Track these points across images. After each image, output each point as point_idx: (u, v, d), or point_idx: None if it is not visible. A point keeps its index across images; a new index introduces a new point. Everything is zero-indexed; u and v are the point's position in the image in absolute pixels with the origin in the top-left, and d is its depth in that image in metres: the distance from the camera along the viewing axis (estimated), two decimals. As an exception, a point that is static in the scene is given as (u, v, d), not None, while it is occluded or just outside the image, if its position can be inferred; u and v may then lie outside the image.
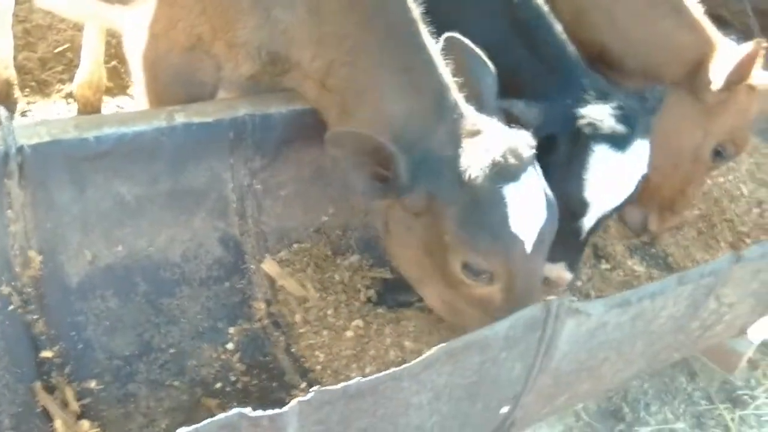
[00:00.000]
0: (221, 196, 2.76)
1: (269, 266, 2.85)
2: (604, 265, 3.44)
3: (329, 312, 2.83)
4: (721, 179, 3.84)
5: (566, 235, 2.77)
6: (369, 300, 2.92)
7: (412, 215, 2.41)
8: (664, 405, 3.44)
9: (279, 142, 2.79)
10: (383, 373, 1.85)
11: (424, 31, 2.53)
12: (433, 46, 2.54)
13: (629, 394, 3.44)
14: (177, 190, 2.68)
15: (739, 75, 3.17)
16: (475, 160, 2.31)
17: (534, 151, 2.42)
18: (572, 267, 2.96)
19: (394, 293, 2.90)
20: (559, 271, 2.93)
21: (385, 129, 2.40)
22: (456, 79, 2.52)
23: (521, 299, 2.33)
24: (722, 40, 3.33)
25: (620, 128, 2.80)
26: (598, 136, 2.78)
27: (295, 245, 2.92)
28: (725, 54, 3.21)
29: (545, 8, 3.08)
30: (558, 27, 3.07)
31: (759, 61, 3.16)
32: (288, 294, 2.85)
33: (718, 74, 3.18)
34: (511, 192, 2.31)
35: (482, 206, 2.30)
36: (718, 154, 3.36)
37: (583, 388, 2.72)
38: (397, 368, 1.86)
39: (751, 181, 3.91)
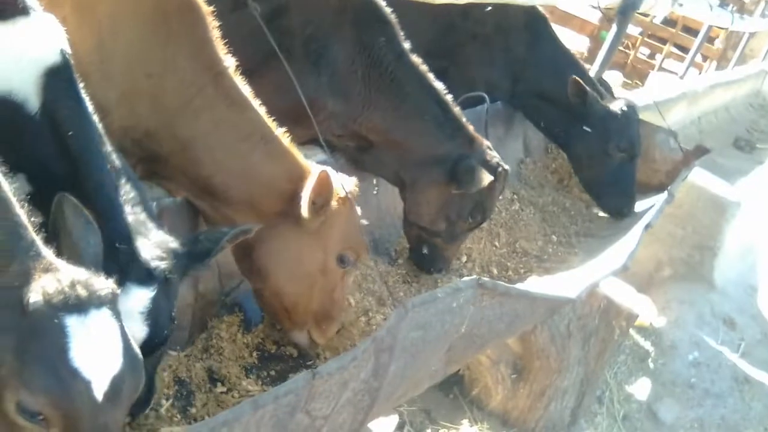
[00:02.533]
0: None
1: None
2: (220, 388, 3.47)
3: None
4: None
5: None
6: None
7: None
8: None
9: None
10: None
11: None
12: (6, 185, 2.44)
13: None
14: None
15: (320, 201, 3.44)
16: (39, 287, 2.15)
17: (115, 297, 2.29)
18: None
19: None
20: None
21: None
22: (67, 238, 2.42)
23: None
24: (313, 166, 3.59)
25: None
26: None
27: None
28: (309, 181, 3.46)
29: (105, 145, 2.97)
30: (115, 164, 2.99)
31: (330, 183, 3.44)
32: None
33: (302, 203, 3.43)
34: (73, 325, 2.14)
35: (38, 335, 2.12)
36: (343, 262, 3.63)
37: None
38: None
39: (358, 292, 4.23)
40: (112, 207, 2.81)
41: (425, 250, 4.71)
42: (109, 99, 3.29)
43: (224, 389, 3.49)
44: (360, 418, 3.40)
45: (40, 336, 2.11)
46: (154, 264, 2.73)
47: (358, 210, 3.68)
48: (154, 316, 2.69)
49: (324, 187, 3.42)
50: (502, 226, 5.51)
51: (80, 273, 2.27)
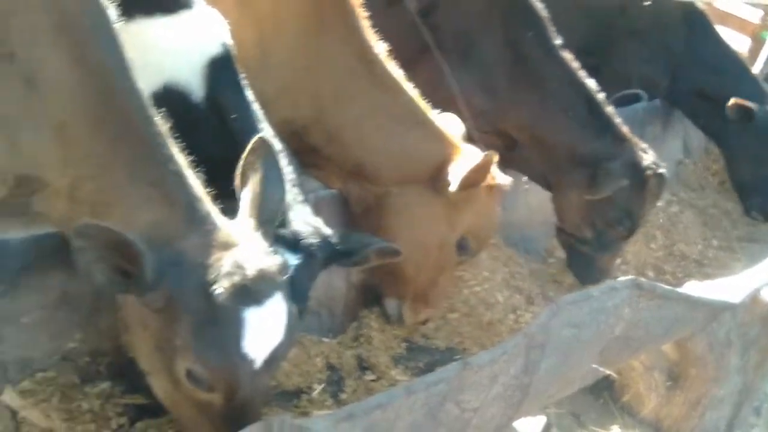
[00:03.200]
0: (-47, 327, 2.64)
1: (10, 398, 2.72)
2: (369, 376, 3.53)
3: (76, 443, 2.72)
4: (477, 288, 4.08)
5: None
6: (121, 427, 2.84)
7: (148, 311, 2.41)
8: None
9: (19, 268, 2.72)
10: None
11: (173, 145, 2.58)
12: (183, 160, 2.59)
13: None
14: None
15: (472, 180, 3.46)
16: (222, 275, 2.33)
17: (288, 274, 2.47)
18: None
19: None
20: None
21: (136, 234, 2.38)
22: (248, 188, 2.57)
23: (241, 409, 2.39)
24: (466, 146, 3.63)
25: None
26: None
27: (39, 374, 2.81)
28: (465, 158, 3.50)
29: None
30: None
31: (490, 167, 3.45)
32: (31, 425, 2.71)
33: (454, 176, 3.46)
34: (252, 317, 2.34)
35: (218, 323, 2.33)
36: (463, 248, 3.61)
37: None
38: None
39: (506, 289, 4.18)
40: None
41: (578, 259, 4.56)
42: (269, 92, 3.40)
43: (374, 377, 3.54)
44: (509, 414, 3.35)
45: (219, 320, 2.32)
46: (304, 237, 2.81)
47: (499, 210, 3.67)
48: (294, 286, 2.74)
49: (483, 168, 3.44)
50: (659, 228, 5.30)
51: (258, 254, 2.41)
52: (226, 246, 2.41)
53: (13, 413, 2.72)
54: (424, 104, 3.65)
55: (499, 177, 3.61)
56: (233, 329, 2.33)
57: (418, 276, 3.64)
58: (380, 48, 3.63)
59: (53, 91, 2.48)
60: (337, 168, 3.69)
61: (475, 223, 3.61)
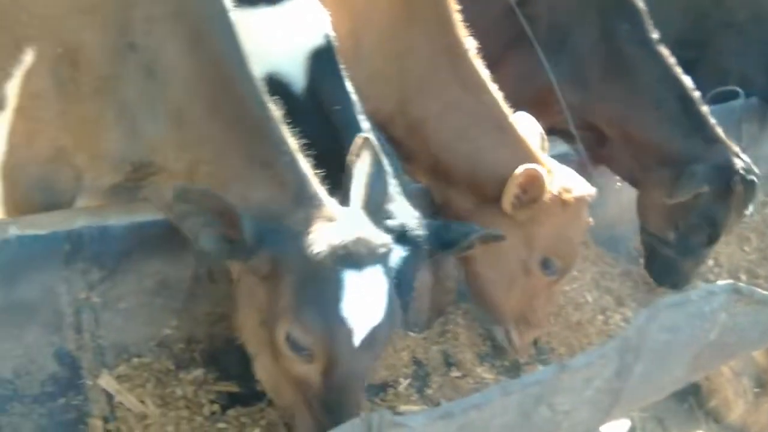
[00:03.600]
0: (56, 310, 2.70)
1: (106, 382, 2.78)
2: (455, 373, 3.50)
3: (170, 429, 2.75)
4: (566, 288, 4.00)
5: None
6: (213, 414, 2.87)
7: (255, 281, 2.48)
8: None
9: (119, 254, 2.77)
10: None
11: (284, 128, 2.65)
12: (294, 143, 2.64)
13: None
14: (8, 304, 2.61)
15: (529, 195, 3.31)
16: (324, 238, 2.40)
17: (390, 253, 2.49)
18: None
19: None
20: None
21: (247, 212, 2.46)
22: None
23: (339, 391, 2.39)
24: (547, 159, 3.50)
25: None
26: None
27: (135, 359, 2.86)
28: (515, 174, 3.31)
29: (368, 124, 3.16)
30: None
31: (545, 181, 3.28)
32: (127, 410, 2.77)
33: (504, 194, 3.34)
34: (350, 279, 2.37)
35: (317, 282, 2.37)
36: (548, 269, 3.46)
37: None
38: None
39: (596, 289, 4.09)
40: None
41: (657, 260, 4.40)
42: (359, 82, 3.40)
43: (459, 374, 3.51)
44: (599, 418, 3.29)
45: (320, 282, 2.37)
46: (410, 229, 2.79)
47: (586, 219, 3.51)
48: (400, 277, 2.75)
49: (531, 183, 3.29)
50: (754, 230, 5.12)
51: (361, 227, 2.48)
52: (330, 219, 2.47)
53: (109, 397, 2.78)
54: (506, 108, 3.53)
55: (578, 189, 3.44)
56: (332, 290, 2.36)
57: (509, 302, 3.54)
58: (469, 44, 3.57)
59: (171, 78, 2.57)
60: (421, 163, 3.65)
61: (553, 243, 3.44)
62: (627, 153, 4.40)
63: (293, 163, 2.58)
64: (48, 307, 2.69)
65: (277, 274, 2.41)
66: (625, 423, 4.60)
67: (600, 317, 3.96)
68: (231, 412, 2.90)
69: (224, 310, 3.04)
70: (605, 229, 4.33)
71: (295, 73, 2.96)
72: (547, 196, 3.34)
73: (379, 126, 3.53)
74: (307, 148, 2.64)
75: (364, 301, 2.38)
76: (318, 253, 2.36)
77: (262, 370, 2.60)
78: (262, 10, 2.97)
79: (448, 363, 3.54)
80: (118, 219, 2.75)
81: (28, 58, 2.59)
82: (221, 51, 2.58)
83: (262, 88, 2.62)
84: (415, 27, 3.53)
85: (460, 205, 3.48)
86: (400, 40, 3.54)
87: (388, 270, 2.48)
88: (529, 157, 3.45)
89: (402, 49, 3.54)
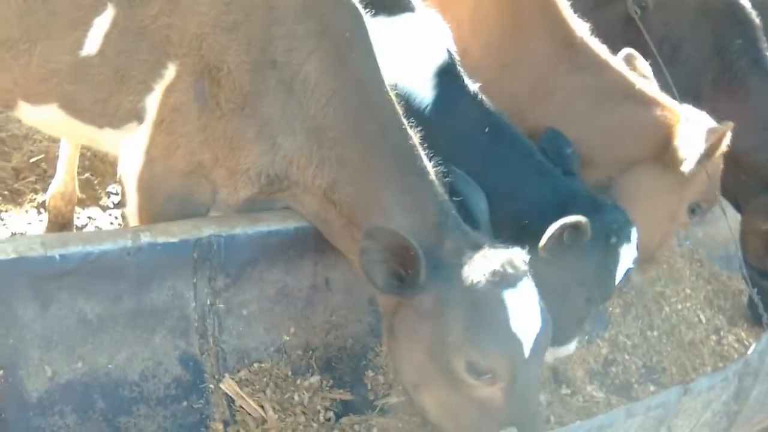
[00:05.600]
0: (183, 315, 2.79)
1: (228, 386, 2.86)
2: (564, 390, 3.46)
3: (287, 434, 2.82)
4: (679, 306, 3.91)
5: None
6: (328, 421, 2.93)
7: (418, 316, 2.56)
8: None
9: (243, 262, 2.85)
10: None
11: (423, 154, 2.73)
12: (431, 169, 2.71)
13: None
14: (139, 309, 2.71)
15: (710, 153, 3.36)
16: (477, 268, 2.50)
17: (527, 265, 2.58)
18: (570, 338, 3.17)
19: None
20: (562, 350, 3.15)
21: None
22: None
23: (521, 401, 2.48)
24: (683, 109, 3.51)
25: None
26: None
27: (256, 365, 2.93)
28: (693, 130, 3.36)
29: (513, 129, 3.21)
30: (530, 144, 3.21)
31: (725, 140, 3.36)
32: (246, 415, 2.84)
33: (688, 153, 3.36)
34: (509, 298, 2.49)
35: (484, 309, 2.48)
36: (695, 212, 3.53)
37: None
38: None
39: (709, 309, 3.99)
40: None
41: (757, 293, 4.23)
42: None
43: (568, 391, 3.47)
44: (714, 442, 3.22)
45: (484, 308, 2.47)
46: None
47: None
48: None
49: (716, 146, 3.34)
50: None
51: (501, 250, 2.57)
52: (475, 247, 2.55)
53: (230, 401, 2.86)
54: (634, 78, 3.56)
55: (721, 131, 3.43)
56: (498, 312, 2.47)
57: (648, 245, 3.49)
58: (582, 29, 3.60)
59: (311, 97, 2.64)
60: None
61: (704, 188, 3.52)
62: (731, 174, 4.26)
63: (433, 190, 2.65)
64: (176, 312, 2.79)
65: (440, 308, 2.50)
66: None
67: (713, 337, 3.86)
68: (344, 419, 2.95)
69: (339, 320, 3.12)
70: (719, 247, 4.23)
71: (417, 87, 3.00)
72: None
73: None
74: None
75: (526, 315, 2.50)
76: (477, 283, 2.46)
77: (431, 401, 2.63)
78: (383, 20, 3.00)
79: (558, 380, 3.51)
80: (243, 228, 2.83)
81: (171, 73, 2.69)
82: (362, 72, 2.64)
83: (400, 112, 2.67)
84: (525, 34, 3.55)
85: (598, 178, 3.50)
86: (510, 49, 3.56)
87: (532, 282, 2.56)
88: (669, 111, 3.49)
89: (513, 56, 3.56)
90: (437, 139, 2.82)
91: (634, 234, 3.05)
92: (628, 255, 3.04)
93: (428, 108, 3.01)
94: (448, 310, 2.48)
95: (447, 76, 3.01)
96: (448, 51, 3.03)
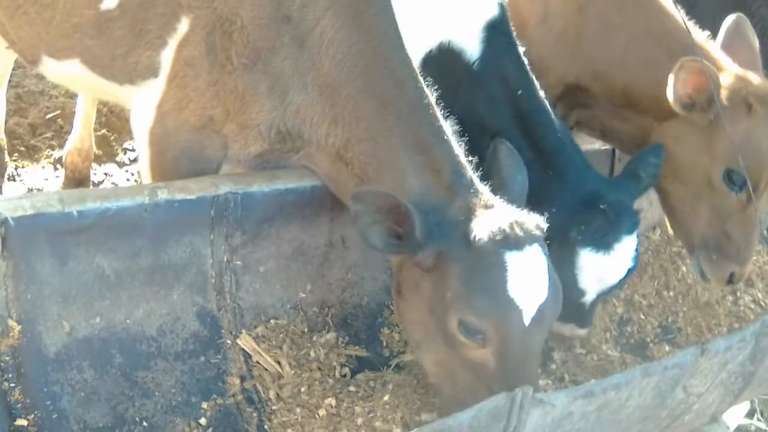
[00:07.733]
0: (200, 272, 2.81)
1: (245, 342, 2.88)
2: (579, 350, 3.46)
3: (303, 389, 2.85)
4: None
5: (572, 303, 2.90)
6: (343, 377, 2.95)
7: (420, 273, 2.53)
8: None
9: (260, 219, 2.86)
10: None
11: (439, 113, 2.69)
12: (448, 128, 2.69)
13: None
14: (157, 265, 2.73)
15: (699, 94, 3.15)
16: (483, 225, 2.45)
17: (543, 233, 2.54)
18: (583, 325, 3.13)
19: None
20: (573, 329, 3.10)
21: (405, 198, 2.52)
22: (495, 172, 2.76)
23: (515, 370, 2.42)
24: (729, 62, 3.35)
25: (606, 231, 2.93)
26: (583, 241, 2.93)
27: (272, 321, 2.95)
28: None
29: (546, 103, 3.16)
30: (558, 123, 3.16)
31: (704, 77, 3.09)
32: (263, 370, 2.87)
33: (668, 91, 3.18)
34: (513, 260, 2.42)
35: (483, 267, 2.43)
36: (731, 182, 3.23)
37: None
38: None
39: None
40: (574, 165, 3.05)
41: None
42: (549, 42, 3.46)
43: (584, 351, 3.48)
44: (728, 401, 3.22)
45: (485, 267, 2.42)
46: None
47: None
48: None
49: (695, 80, 3.11)
50: None
51: (515, 212, 2.52)
52: (486, 207, 2.50)
53: (247, 357, 2.88)
54: (692, 28, 3.37)
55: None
56: (498, 273, 2.41)
57: (698, 222, 3.36)
58: None
59: (325, 53, 2.60)
60: (605, 104, 3.60)
61: (741, 150, 3.12)
62: None
63: (449, 149, 2.60)
64: (193, 268, 2.80)
65: (442, 265, 2.46)
66: (744, 405, 4.49)
67: (729, 298, 3.85)
68: (360, 376, 2.97)
69: (355, 277, 3.13)
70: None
71: (469, 45, 2.96)
72: (726, 98, 3.16)
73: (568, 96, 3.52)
74: (468, 122, 2.64)
75: (529, 281, 2.42)
76: (480, 239, 2.40)
77: (430, 359, 2.62)
78: None
79: (572, 338, 3.51)
80: (260, 186, 2.82)
81: (184, 26, 2.67)
82: (379, 29, 2.59)
83: (417, 71, 2.63)
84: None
85: (639, 130, 3.43)
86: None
87: (544, 249, 2.50)
88: (716, 64, 3.28)
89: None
90: (478, 96, 2.78)
91: (624, 246, 2.97)
92: (606, 264, 2.96)
93: (476, 63, 2.97)
94: (448, 266, 2.44)
95: (495, 32, 2.97)
96: (500, 5, 2.99)
